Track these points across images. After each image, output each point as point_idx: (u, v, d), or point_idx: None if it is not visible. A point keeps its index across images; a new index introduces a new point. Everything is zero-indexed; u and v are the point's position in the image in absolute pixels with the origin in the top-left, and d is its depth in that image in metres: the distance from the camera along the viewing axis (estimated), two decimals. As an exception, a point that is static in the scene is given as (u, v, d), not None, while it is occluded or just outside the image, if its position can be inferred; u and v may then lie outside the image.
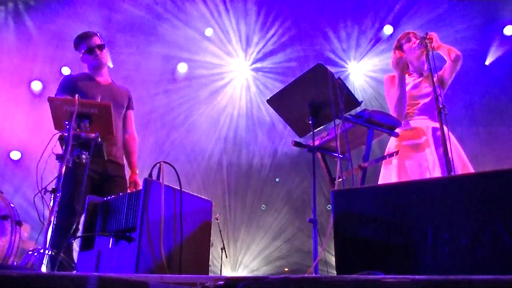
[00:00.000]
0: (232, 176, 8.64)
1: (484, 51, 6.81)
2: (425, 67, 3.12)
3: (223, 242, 6.83)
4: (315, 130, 2.47)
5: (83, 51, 3.15)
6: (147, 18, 6.82)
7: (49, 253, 2.10)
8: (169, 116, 7.85)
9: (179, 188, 2.08)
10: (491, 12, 6.51)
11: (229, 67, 7.71)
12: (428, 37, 2.89)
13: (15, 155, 7.02)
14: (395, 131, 2.61)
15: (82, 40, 3.17)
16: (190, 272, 1.99)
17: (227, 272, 8.32)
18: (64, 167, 2.25)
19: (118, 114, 3.15)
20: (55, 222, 2.65)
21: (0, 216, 2.42)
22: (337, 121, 2.41)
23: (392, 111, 2.99)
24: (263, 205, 8.68)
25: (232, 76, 7.85)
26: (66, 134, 2.30)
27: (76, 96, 2.40)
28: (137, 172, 3.21)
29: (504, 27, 6.60)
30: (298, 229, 8.50)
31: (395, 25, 6.85)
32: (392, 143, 3.02)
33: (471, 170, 2.82)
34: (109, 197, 2.18)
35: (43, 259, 2.04)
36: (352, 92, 2.45)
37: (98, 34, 3.24)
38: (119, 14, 6.63)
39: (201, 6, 6.90)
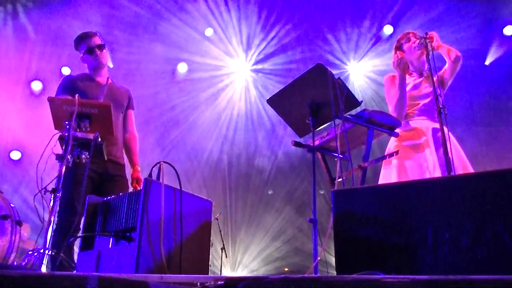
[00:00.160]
0: (233, 176, 8.65)
1: (484, 51, 6.81)
2: (425, 67, 3.12)
3: (223, 242, 6.83)
4: (315, 130, 2.46)
5: (83, 51, 3.16)
6: (147, 18, 6.82)
7: (49, 253, 2.10)
8: (169, 116, 7.86)
9: (179, 188, 2.08)
10: (491, 12, 6.51)
11: (229, 67, 7.71)
12: (428, 36, 2.89)
13: (15, 155, 7.02)
14: (395, 131, 2.61)
15: (82, 40, 3.17)
16: (190, 272, 1.99)
17: (227, 272, 8.33)
18: (64, 167, 2.25)
19: (118, 114, 3.15)
20: (55, 222, 2.66)
21: (0, 216, 2.42)
22: (337, 121, 2.41)
23: (392, 111, 2.99)
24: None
25: (232, 77, 7.85)
26: (66, 134, 2.30)
27: (76, 96, 2.41)
28: (139, 168, 3.22)
29: (504, 27, 6.60)
30: (298, 230, 8.50)
31: (395, 25, 6.85)
32: (392, 144, 3.02)
33: (471, 170, 2.82)
34: (109, 197, 2.18)
35: (43, 259, 2.04)
36: (352, 92, 2.45)
37: (98, 34, 3.24)
38: (120, 13, 6.62)
39: (202, 6, 6.89)
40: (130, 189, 3.07)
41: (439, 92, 2.61)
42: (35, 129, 6.32)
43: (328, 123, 2.50)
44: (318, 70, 2.36)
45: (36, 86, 7.04)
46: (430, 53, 2.85)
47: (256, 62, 7.66)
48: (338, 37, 7.12)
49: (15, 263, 2.43)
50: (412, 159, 2.86)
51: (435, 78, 2.69)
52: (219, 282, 1.10)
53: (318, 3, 6.89)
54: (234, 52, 7.52)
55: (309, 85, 2.43)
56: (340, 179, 2.33)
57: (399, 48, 3.18)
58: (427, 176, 2.72)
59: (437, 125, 2.66)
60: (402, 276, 1.01)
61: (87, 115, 2.41)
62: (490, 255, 1.38)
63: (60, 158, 2.27)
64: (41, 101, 6.68)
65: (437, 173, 2.67)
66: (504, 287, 0.95)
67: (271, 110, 6.61)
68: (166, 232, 1.96)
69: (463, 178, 1.67)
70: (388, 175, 2.92)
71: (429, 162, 2.76)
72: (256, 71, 7.80)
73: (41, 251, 2.06)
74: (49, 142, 2.36)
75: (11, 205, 2.55)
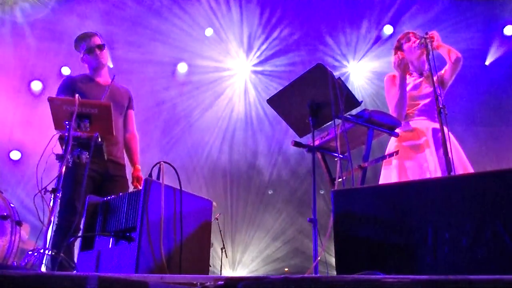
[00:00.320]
0: (232, 176, 8.65)
1: (484, 51, 6.81)
2: (425, 67, 3.12)
3: (223, 242, 6.83)
4: (315, 130, 2.46)
5: (83, 51, 3.16)
6: (147, 17, 6.81)
7: (49, 253, 2.10)
8: (169, 115, 7.86)
9: (179, 188, 2.08)
10: (491, 12, 6.51)
11: (229, 68, 7.70)
12: (429, 36, 2.89)
13: (15, 155, 7.02)
14: (395, 131, 2.61)
15: (82, 40, 3.17)
16: (190, 272, 1.99)
17: (227, 272, 8.33)
18: (64, 167, 2.25)
19: (119, 114, 3.15)
20: (56, 222, 2.66)
21: (0, 216, 2.42)
22: (337, 121, 2.41)
23: (392, 111, 2.99)
24: (270, 190, 8.66)
25: (233, 77, 7.84)
26: (66, 134, 2.30)
27: (76, 96, 2.41)
28: (139, 168, 3.22)
29: (504, 27, 6.60)
30: (299, 230, 8.50)
31: (395, 25, 6.85)
32: (392, 144, 3.02)
33: (471, 170, 2.82)
34: (109, 197, 2.18)
35: (43, 259, 2.04)
36: (352, 92, 2.45)
37: (98, 34, 3.24)
38: (119, 13, 6.62)
39: (202, 6, 6.89)
40: (131, 189, 3.08)
41: (439, 92, 2.61)
42: (35, 129, 6.32)
43: (328, 123, 2.50)
44: (318, 70, 2.36)
45: (36, 86, 7.04)
46: (430, 53, 2.86)
47: (257, 63, 7.66)
48: (338, 37, 7.12)
49: (15, 263, 2.43)
50: (412, 159, 2.86)
51: (435, 78, 2.69)
52: (219, 282, 1.10)
53: (318, 3, 6.88)
54: (235, 53, 7.52)
55: (309, 85, 2.42)
56: (340, 179, 2.33)
57: (399, 48, 3.18)
58: (428, 176, 2.72)
59: (437, 125, 2.66)
60: (402, 276, 1.01)
61: (87, 115, 2.41)
62: (490, 255, 1.37)
63: (60, 158, 2.27)
64: (41, 101, 6.68)
65: (438, 174, 2.67)
66: (504, 287, 0.95)
67: (271, 110, 6.60)
68: (166, 232, 1.96)
69: (463, 178, 1.67)
70: (389, 175, 2.91)
71: (430, 162, 2.76)
72: (256, 72, 7.79)
73: (41, 251, 2.06)
74: (49, 142, 2.36)
75: (11, 205, 2.55)
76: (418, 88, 3.08)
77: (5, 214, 2.44)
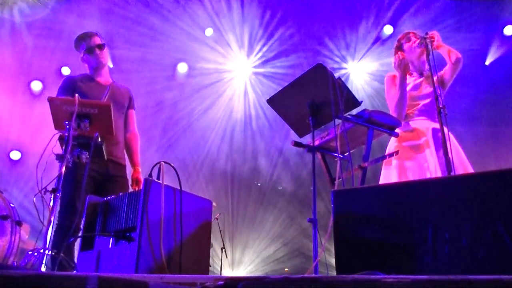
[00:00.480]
0: (232, 176, 8.64)
1: (484, 51, 6.81)
2: (426, 67, 3.12)
3: (223, 242, 6.83)
4: (315, 130, 2.46)
5: (83, 51, 3.16)
6: (148, 16, 6.81)
7: (49, 253, 2.10)
8: (169, 115, 7.85)
9: (179, 188, 2.08)
10: (491, 12, 6.50)
11: (229, 68, 7.70)
12: (429, 36, 2.89)
13: (15, 155, 7.02)
14: (395, 131, 2.61)
15: (82, 40, 3.18)
16: (190, 272, 1.99)
17: (227, 272, 8.33)
18: (64, 167, 2.25)
19: (119, 114, 3.15)
20: (57, 222, 2.67)
21: (0, 216, 2.42)
22: (337, 121, 2.41)
23: (392, 111, 2.99)
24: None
25: (233, 77, 7.84)
26: (66, 134, 2.30)
27: (76, 96, 2.41)
28: (140, 169, 3.21)
29: (504, 27, 6.60)
30: (299, 231, 8.50)
31: (395, 25, 6.85)
32: (392, 144, 3.02)
33: (471, 170, 2.82)
34: (109, 197, 2.18)
35: (43, 259, 2.04)
36: (352, 92, 2.45)
37: (98, 34, 3.24)
38: (119, 12, 6.61)
39: (203, 6, 6.88)
40: (131, 190, 3.07)
41: (439, 92, 2.61)
42: (35, 129, 6.32)
43: (328, 123, 2.50)
44: (318, 70, 2.36)
45: (36, 86, 7.04)
46: (431, 53, 2.86)
47: (257, 63, 7.65)
48: (338, 37, 7.11)
49: (15, 263, 2.43)
50: (412, 159, 2.86)
51: (435, 78, 2.69)
52: (219, 282, 1.10)
53: (318, 3, 6.88)
54: (235, 53, 7.51)
55: (309, 85, 2.42)
56: (340, 179, 2.33)
57: (399, 48, 3.18)
58: (428, 176, 2.72)
59: (437, 125, 2.66)
60: (402, 276, 1.01)
61: (87, 115, 2.42)
62: (490, 255, 1.37)
63: (60, 158, 2.27)
64: (41, 101, 6.68)
65: (438, 174, 2.67)
66: (504, 287, 0.95)
67: (271, 111, 6.61)
68: (166, 232, 1.96)
69: (463, 178, 1.67)
70: (388, 175, 2.91)
71: (430, 162, 2.76)
72: (256, 72, 7.79)
73: (41, 251, 2.05)
74: (49, 142, 2.36)
75: (11, 205, 2.55)
76: (418, 88, 3.08)
77: (5, 214, 2.45)
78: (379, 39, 7.06)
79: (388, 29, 6.93)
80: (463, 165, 2.80)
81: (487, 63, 6.86)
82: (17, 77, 6.80)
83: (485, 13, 6.49)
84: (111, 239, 2.06)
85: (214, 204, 2.29)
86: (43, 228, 2.13)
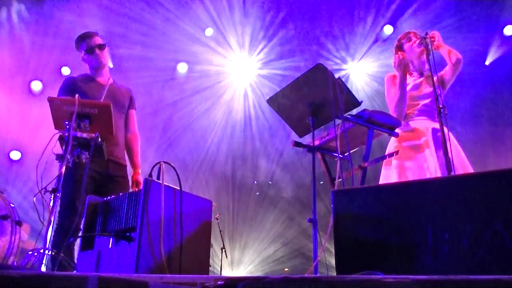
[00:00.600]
0: (233, 176, 8.64)
1: (484, 51, 6.81)
2: (426, 67, 3.13)
3: (223, 242, 6.83)
4: (315, 130, 2.47)
5: (83, 51, 3.17)
6: (148, 16, 6.80)
7: (49, 253, 2.10)
8: (170, 115, 7.85)
9: (179, 188, 2.08)
10: (491, 12, 6.50)
11: (230, 69, 7.69)
12: (430, 36, 2.89)
13: (15, 155, 7.02)
14: (395, 131, 2.61)
15: (82, 40, 3.18)
16: (190, 272, 1.99)
17: (227, 272, 8.33)
18: (64, 167, 2.25)
19: (120, 114, 3.15)
20: (57, 222, 2.67)
21: (0, 216, 2.42)
22: (337, 121, 2.41)
23: (392, 111, 3.00)
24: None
25: (233, 78, 7.83)
26: (66, 134, 2.30)
27: (76, 96, 2.41)
28: (140, 171, 3.21)
29: (504, 27, 6.60)
30: (299, 232, 8.50)
31: (395, 25, 6.85)
32: (392, 144, 3.02)
33: (471, 170, 2.82)
34: (109, 197, 2.18)
35: (43, 259, 2.04)
36: (352, 92, 2.45)
37: (99, 34, 3.25)
38: (120, 11, 6.60)
39: (204, 6, 6.87)
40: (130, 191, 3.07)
41: (439, 92, 2.61)
42: (35, 129, 6.32)
43: (328, 123, 2.50)
44: (318, 70, 2.36)
45: (36, 86, 7.04)
46: (431, 53, 2.86)
47: (258, 64, 7.65)
48: (339, 37, 7.11)
49: (15, 263, 2.43)
50: (412, 159, 2.86)
51: (435, 78, 2.69)
52: (219, 282, 1.10)
53: (319, 4, 6.88)
54: (235, 54, 7.50)
55: (309, 85, 2.43)
56: (340, 179, 2.33)
57: (399, 47, 3.18)
58: (428, 176, 2.72)
59: (437, 125, 2.66)
60: (402, 276, 1.01)
61: (87, 115, 2.42)
62: (490, 255, 1.37)
63: (60, 158, 2.27)
64: (41, 101, 6.68)
65: (438, 174, 2.67)
66: (504, 287, 0.95)
67: (271, 111, 6.62)
68: (166, 232, 1.96)
69: (463, 178, 1.67)
70: (388, 175, 2.91)
71: (429, 162, 2.76)
72: (257, 73, 7.78)
73: (41, 251, 2.06)
74: (49, 142, 2.36)
75: (11, 205, 2.55)
76: (418, 88, 3.08)
77: (5, 214, 2.45)
78: (379, 39, 7.06)
79: (388, 29, 6.93)
80: (463, 165, 2.80)
81: (487, 63, 6.86)
82: (17, 77, 6.80)
83: (485, 13, 6.49)
84: (111, 239, 2.06)
85: (214, 204, 2.29)
86: (43, 228, 2.13)
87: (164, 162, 2.09)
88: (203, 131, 8.11)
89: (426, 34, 2.90)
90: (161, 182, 2.01)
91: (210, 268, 2.43)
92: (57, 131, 2.43)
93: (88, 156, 2.40)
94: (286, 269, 8.49)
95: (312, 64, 2.39)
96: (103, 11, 6.51)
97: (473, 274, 1.04)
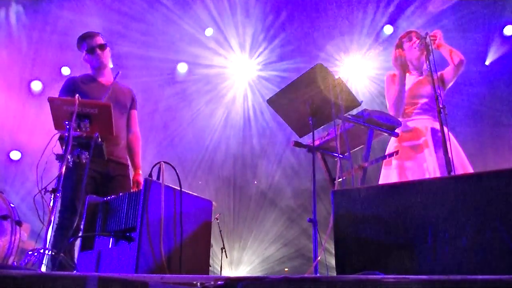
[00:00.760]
0: (233, 176, 8.64)
1: (484, 51, 6.81)
2: (425, 66, 3.13)
3: (223, 242, 6.83)
4: (315, 130, 2.47)
5: (84, 51, 3.18)
6: (148, 15, 6.80)
7: (49, 253, 2.10)
8: (170, 115, 7.85)
9: (179, 188, 2.08)
10: (491, 12, 6.50)
11: (230, 69, 7.69)
12: (432, 34, 2.89)
13: (15, 155, 7.02)
14: (395, 131, 2.61)
15: (84, 40, 3.19)
16: (190, 272, 1.99)
17: (227, 272, 8.33)
18: (64, 167, 2.25)
19: (121, 114, 3.15)
20: (58, 222, 2.67)
21: (0, 216, 2.42)
22: (337, 121, 2.41)
23: (390, 107, 3.00)
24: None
25: (233, 79, 7.83)
26: (66, 134, 2.30)
27: (76, 96, 2.41)
28: (141, 172, 3.21)
29: (504, 27, 6.60)
30: (299, 232, 8.49)
31: (395, 25, 6.85)
32: (392, 144, 3.02)
33: (470, 170, 2.82)
34: (109, 197, 2.18)
35: (43, 259, 2.04)
36: (352, 92, 2.45)
37: (100, 34, 3.25)
38: (121, 10, 6.60)
39: (205, 6, 6.87)
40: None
41: (438, 92, 2.61)
42: (35, 129, 6.32)
43: (328, 123, 2.50)
44: (318, 70, 2.36)
45: (36, 86, 7.04)
46: (431, 53, 2.86)
47: (258, 65, 7.64)
48: (339, 37, 7.11)
49: (15, 263, 2.43)
50: (412, 159, 2.86)
51: (435, 79, 2.69)
52: (219, 282, 1.10)
53: (319, 5, 6.88)
54: (236, 55, 7.50)
55: (309, 85, 2.43)
56: (340, 179, 2.33)
57: (400, 46, 3.18)
58: (427, 176, 2.72)
59: (437, 125, 2.66)
60: (402, 276, 1.01)
61: (87, 115, 2.42)
62: (490, 255, 1.38)
63: (60, 158, 2.27)
64: (41, 101, 6.68)
65: (437, 174, 2.67)
66: (504, 287, 0.95)
67: (271, 112, 6.62)
68: (166, 232, 1.96)
69: (463, 178, 1.67)
70: (388, 175, 2.92)
71: (429, 162, 2.76)
72: (257, 74, 7.78)
73: (41, 251, 2.06)
74: (49, 142, 2.36)
75: (11, 205, 2.55)
76: (418, 87, 3.08)
77: (5, 214, 2.45)
78: (379, 39, 7.06)
79: (388, 29, 6.93)
80: (462, 165, 2.80)
81: (487, 63, 6.86)
82: (17, 77, 6.80)
83: (485, 13, 6.49)
84: (111, 239, 2.07)
85: (214, 204, 2.29)
86: (43, 228, 2.13)
87: (164, 162, 2.10)
88: (203, 131, 8.10)
89: (426, 34, 2.91)
90: (161, 182, 2.01)
91: (210, 268, 2.43)
92: (57, 131, 2.43)
93: (88, 156, 2.40)
94: (286, 269, 8.49)
95: (312, 65, 2.38)
96: (103, 9, 6.51)
97: (473, 274, 1.04)
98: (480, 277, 0.98)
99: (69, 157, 2.28)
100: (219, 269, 6.96)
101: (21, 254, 2.59)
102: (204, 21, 7.04)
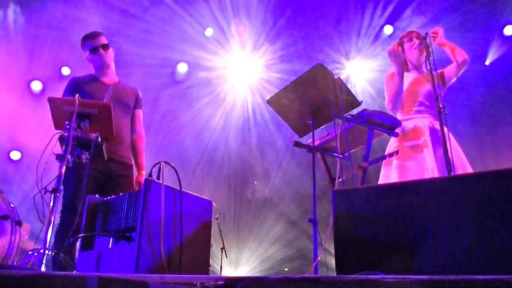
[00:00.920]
0: (233, 177, 8.64)
1: (484, 51, 6.81)
2: (424, 67, 3.13)
3: (223, 242, 6.82)
4: (315, 130, 2.47)
5: (88, 51, 3.18)
6: (148, 15, 6.79)
7: (49, 253, 2.10)
8: (170, 115, 7.84)
9: (179, 188, 2.08)
10: (491, 12, 6.50)
11: (230, 69, 7.68)
12: (432, 31, 2.89)
13: (15, 155, 7.02)
14: (395, 131, 2.61)
15: (87, 40, 3.20)
16: (190, 272, 1.99)
17: (227, 272, 8.33)
18: (64, 167, 2.25)
19: (125, 114, 3.15)
20: (58, 222, 2.67)
21: (0, 216, 2.42)
22: (337, 121, 2.41)
23: (387, 103, 3.01)
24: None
25: (233, 79, 7.83)
26: (66, 134, 2.30)
27: (76, 96, 2.41)
28: (143, 173, 3.21)
29: (504, 27, 6.60)
30: (300, 232, 8.49)
31: (395, 25, 6.85)
32: (392, 144, 3.01)
33: (470, 170, 2.81)
34: (109, 197, 2.18)
35: (43, 259, 2.04)
36: (352, 92, 2.45)
37: (103, 34, 3.25)
38: (120, 9, 6.59)
39: (206, 6, 6.86)
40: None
41: (438, 91, 2.61)
42: (35, 129, 6.32)
43: (328, 123, 2.50)
44: (318, 70, 2.36)
45: (36, 86, 7.03)
46: (431, 54, 2.86)
47: (259, 66, 7.64)
48: (339, 37, 7.11)
49: (15, 263, 2.43)
50: (412, 159, 2.86)
51: (435, 79, 2.69)
52: (219, 282, 1.10)
53: (320, 5, 6.87)
54: (236, 55, 7.49)
55: (309, 85, 2.43)
56: (340, 179, 2.33)
57: (400, 45, 3.17)
58: (426, 176, 2.72)
59: (436, 124, 2.66)
60: (402, 276, 1.01)
61: (87, 115, 2.42)
62: (490, 255, 1.38)
63: (60, 158, 2.27)
64: (41, 101, 6.67)
65: (435, 173, 2.67)
66: (504, 287, 0.95)
67: (271, 112, 6.61)
68: (166, 232, 1.96)
69: (463, 178, 1.67)
70: (388, 175, 2.91)
71: (428, 162, 2.76)
72: (257, 75, 7.78)
73: (41, 251, 2.06)
74: (49, 142, 2.36)
75: (11, 205, 2.55)
76: (417, 84, 3.07)
77: (5, 214, 2.45)
78: (379, 39, 7.06)
79: (388, 29, 6.93)
80: (462, 165, 2.80)
81: (487, 63, 6.86)
82: (17, 77, 6.79)
83: (485, 13, 6.49)
84: (111, 239, 2.07)
85: (214, 204, 2.29)
86: (43, 228, 2.13)
87: (164, 162, 2.09)
88: (203, 131, 8.10)
89: (426, 34, 2.90)
90: (161, 182, 2.01)
91: (210, 268, 2.43)
92: (57, 131, 2.43)
93: (88, 156, 2.40)
94: (286, 269, 8.49)
95: (312, 64, 2.38)
96: (103, 8, 6.50)
97: (473, 274, 1.04)
98: (480, 277, 0.98)
99: (69, 157, 2.28)
100: (219, 269, 6.96)
101: (21, 254, 2.59)
102: (205, 21, 7.03)
